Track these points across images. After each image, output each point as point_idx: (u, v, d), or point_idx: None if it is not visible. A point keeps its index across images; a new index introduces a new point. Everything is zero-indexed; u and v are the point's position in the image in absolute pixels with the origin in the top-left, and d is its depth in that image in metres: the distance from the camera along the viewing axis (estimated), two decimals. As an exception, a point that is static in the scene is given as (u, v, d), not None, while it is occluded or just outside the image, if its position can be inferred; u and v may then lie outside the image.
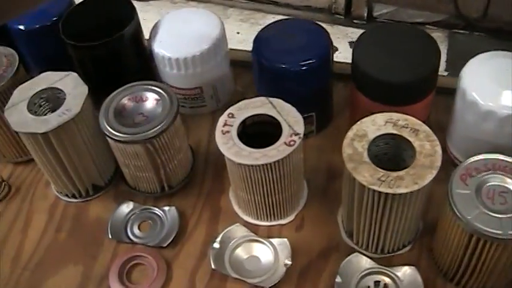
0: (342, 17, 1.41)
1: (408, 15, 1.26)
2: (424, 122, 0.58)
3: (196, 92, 0.74)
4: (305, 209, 0.67)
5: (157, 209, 0.68)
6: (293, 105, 0.62)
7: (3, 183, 0.74)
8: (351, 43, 1.18)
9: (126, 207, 0.68)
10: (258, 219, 0.66)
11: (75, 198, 0.71)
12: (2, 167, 0.77)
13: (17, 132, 0.65)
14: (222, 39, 0.72)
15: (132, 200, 0.69)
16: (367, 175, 0.54)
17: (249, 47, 0.69)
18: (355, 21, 1.40)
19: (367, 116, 0.59)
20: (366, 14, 1.38)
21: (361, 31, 1.35)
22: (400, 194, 0.54)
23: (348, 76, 0.74)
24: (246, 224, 0.66)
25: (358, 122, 0.58)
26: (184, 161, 0.68)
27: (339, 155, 0.70)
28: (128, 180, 0.70)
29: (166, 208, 0.67)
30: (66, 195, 0.71)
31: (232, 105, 0.62)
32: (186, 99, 0.75)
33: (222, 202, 0.69)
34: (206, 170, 0.72)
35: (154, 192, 0.69)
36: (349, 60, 0.74)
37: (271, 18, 1.39)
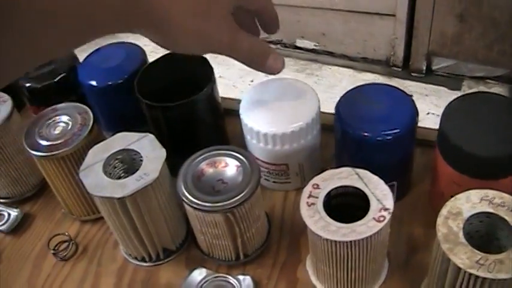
0: (399, 69, 1.40)
1: (468, 70, 1.24)
2: (512, 194, 0.56)
3: (281, 168, 0.71)
4: (386, 283, 0.64)
5: (231, 278, 0.65)
6: (374, 174, 0.59)
7: (70, 242, 0.73)
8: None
9: (198, 274, 0.66)
10: (337, 293, 0.63)
11: (145, 261, 0.69)
12: (69, 224, 0.76)
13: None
14: (316, 117, 0.69)
15: (204, 267, 0.67)
16: (464, 257, 0.52)
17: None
18: (413, 74, 1.39)
19: (457, 191, 0.56)
20: (424, 68, 1.37)
21: (419, 84, 1.34)
22: (499, 280, 0.51)
23: (427, 142, 0.72)
24: (325, 298, 0.63)
25: (452, 199, 0.56)
26: (261, 229, 0.66)
27: (420, 226, 0.68)
28: (201, 246, 0.68)
29: (241, 277, 0.65)
30: (136, 258, 0.70)
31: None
32: (269, 173, 0.72)
33: (298, 273, 0.66)
34: (282, 238, 0.69)
35: (229, 260, 0.66)
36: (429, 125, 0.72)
37: (327, 69, 1.39)
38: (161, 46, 0.56)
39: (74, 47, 0.50)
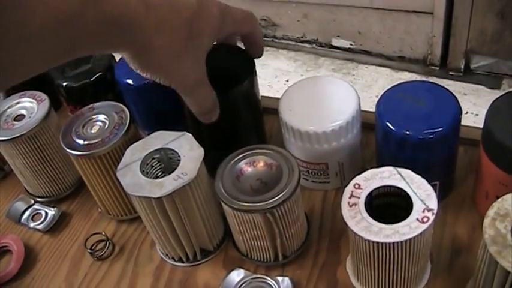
0: (437, 68, 1.38)
1: (509, 68, 1.21)
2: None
3: (320, 167, 0.70)
4: (428, 285, 0.62)
5: (270, 279, 0.64)
6: (416, 173, 0.58)
7: (107, 242, 0.72)
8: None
9: (236, 275, 0.65)
10: (378, 295, 0.62)
11: (182, 262, 0.69)
12: (106, 224, 0.75)
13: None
14: (357, 116, 0.67)
15: (242, 267, 0.66)
16: (513, 260, 0.50)
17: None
18: (451, 73, 1.36)
19: (503, 191, 0.55)
20: (462, 66, 1.35)
21: (457, 83, 1.32)
22: (550, 283, 0.49)
23: (470, 141, 0.71)
24: (366, 300, 0.62)
25: (499, 200, 0.54)
26: (301, 229, 0.65)
27: (463, 227, 0.67)
28: (239, 246, 0.67)
29: (279, 278, 0.64)
30: (173, 258, 0.69)
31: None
32: (308, 172, 0.71)
33: (338, 274, 0.65)
34: (321, 239, 0.68)
35: (267, 261, 0.65)
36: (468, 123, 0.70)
37: (364, 68, 1.37)
38: (132, 67, 0.58)
39: (54, 65, 0.51)
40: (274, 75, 1.27)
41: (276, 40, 1.43)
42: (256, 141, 0.65)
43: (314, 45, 1.43)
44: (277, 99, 0.71)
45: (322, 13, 1.36)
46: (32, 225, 0.77)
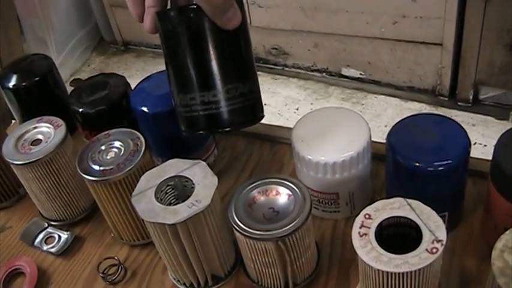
0: (446, 99, 1.39)
1: (517, 100, 1.22)
2: None
3: (331, 197, 0.71)
4: (436, 316, 0.63)
5: (280, 306, 0.65)
6: (425, 204, 0.59)
7: (120, 266, 0.73)
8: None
9: (247, 302, 0.66)
10: (387, 324, 0.63)
11: (193, 288, 0.70)
12: (119, 248, 0.77)
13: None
14: (367, 147, 0.69)
15: (253, 294, 0.67)
16: (521, 292, 0.51)
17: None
18: (459, 103, 1.38)
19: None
20: (471, 97, 1.36)
21: (465, 114, 1.33)
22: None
23: (479, 173, 0.72)
24: (374, 329, 0.62)
25: (508, 232, 0.55)
26: (311, 257, 0.66)
27: (472, 258, 0.67)
28: (250, 273, 0.68)
29: (289, 306, 0.65)
30: (184, 284, 0.70)
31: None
32: (319, 202, 0.73)
33: (348, 302, 0.66)
34: (331, 267, 0.69)
35: (278, 288, 0.66)
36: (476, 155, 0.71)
37: (373, 98, 1.38)
38: None
39: None
40: (284, 103, 1.28)
41: (287, 69, 1.45)
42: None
43: (324, 74, 1.45)
44: (289, 129, 0.72)
45: (332, 43, 1.38)
46: (45, 248, 0.78)
